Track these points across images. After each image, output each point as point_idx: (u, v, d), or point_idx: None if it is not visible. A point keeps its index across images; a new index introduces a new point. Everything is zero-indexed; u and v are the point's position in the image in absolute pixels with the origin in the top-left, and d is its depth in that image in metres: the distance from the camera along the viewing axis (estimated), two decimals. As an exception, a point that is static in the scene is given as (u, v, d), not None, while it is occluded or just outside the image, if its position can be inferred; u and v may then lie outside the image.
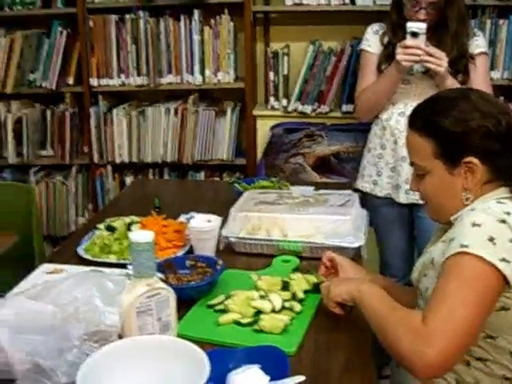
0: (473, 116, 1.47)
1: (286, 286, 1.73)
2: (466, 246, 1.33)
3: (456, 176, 1.50)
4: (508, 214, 1.39)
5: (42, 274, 1.88)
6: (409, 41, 2.44)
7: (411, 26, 2.44)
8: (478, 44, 2.63)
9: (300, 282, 1.76)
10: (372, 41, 2.72)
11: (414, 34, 2.43)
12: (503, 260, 1.31)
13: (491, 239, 1.33)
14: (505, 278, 1.32)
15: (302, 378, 1.29)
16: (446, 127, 1.48)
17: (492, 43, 3.15)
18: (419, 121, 1.55)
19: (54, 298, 1.47)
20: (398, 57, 2.47)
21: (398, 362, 1.35)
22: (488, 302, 1.32)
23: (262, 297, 1.68)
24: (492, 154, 1.47)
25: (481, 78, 2.59)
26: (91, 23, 3.45)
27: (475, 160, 1.46)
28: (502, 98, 3.15)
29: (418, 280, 1.60)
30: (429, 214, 1.64)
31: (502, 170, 1.50)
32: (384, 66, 2.65)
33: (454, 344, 1.25)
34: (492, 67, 3.08)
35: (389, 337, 1.34)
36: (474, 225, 1.37)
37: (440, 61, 2.44)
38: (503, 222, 1.37)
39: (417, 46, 2.43)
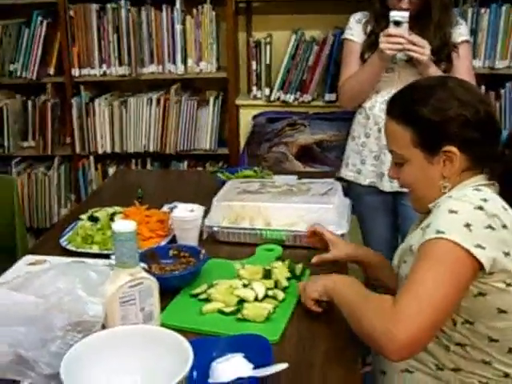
0: (451, 105, 1.47)
1: (267, 275, 1.74)
2: (443, 232, 1.34)
3: (435, 164, 1.50)
4: (485, 200, 1.40)
5: (24, 265, 1.87)
6: (392, 29, 2.45)
7: (394, 14, 2.44)
8: (461, 32, 2.64)
9: (282, 270, 1.77)
10: (355, 30, 2.72)
11: (397, 23, 2.43)
12: (478, 246, 1.32)
13: (467, 225, 1.34)
14: (480, 265, 1.33)
15: (285, 365, 1.29)
16: (424, 116, 1.49)
17: (473, 32, 3.15)
18: (397, 109, 1.55)
19: (36, 289, 1.46)
20: (382, 45, 2.47)
21: (372, 346, 1.35)
22: (460, 285, 1.33)
23: (244, 285, 1.68)
24: (471, 142, 1.48)
25: (464, 67, 2.60)
26: (72, 12, 3.42)
27: (454, 149, 1.47)
28: (483, 87, 3.17)
29: (398, 266, 1.61)
30: (411, 204, 1.65)
31: (480, 158, 1.51)
32: (367, 54, 2.65)
33: (424, 325, 1.26)
34: (473, 56, 3.09)
35: (361, 323, 1.35)
36: (450, 211, 1.38)
37: (423, 49, 2.45)
38: (480, 208, 1.37)
39: (400, 34, 2.43)
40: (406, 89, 1.61)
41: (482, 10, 3.18)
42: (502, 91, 3.24)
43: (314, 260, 1.81)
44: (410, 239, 1.56)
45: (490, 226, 1.36)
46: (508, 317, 1.42)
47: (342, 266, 1.83)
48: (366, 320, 1.34)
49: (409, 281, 1.34)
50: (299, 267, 1.80)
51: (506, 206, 1.44)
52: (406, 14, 2.43)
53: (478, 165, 1.51)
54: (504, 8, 3.16)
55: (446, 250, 1.33)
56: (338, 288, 1.50)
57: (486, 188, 1.47)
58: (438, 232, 1.34)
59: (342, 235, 1.95)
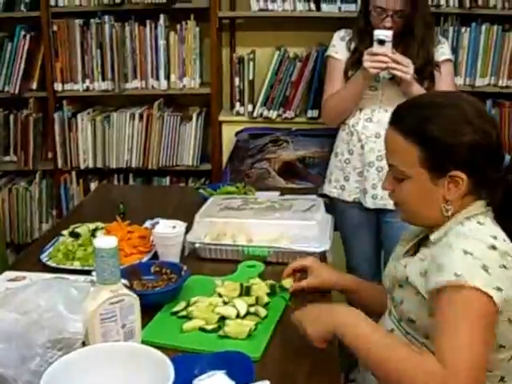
0: (465, 130, 1.42)
1: (246, 291, 1.73)
2: (461, 276, 1.29)
3: (439, 186, 1.45)
4: (495, 238, 1.37)
5: (4, 281, 1.84)
6: (376, 48, 2.47)
7: (378, 33, 2.47)
8: (444, 51, 2.68)
9: (262, 286, 1.77)
10: (339, 47, 2.74)
11: (381, 42, 2.46)
12: (497, 289, 1.29)
13: (485, 268, 1.30)
14: (496, 306, 1.29)
15: (266, 382, 1.29)
16: (435, 136, 1.43)
17: (454, 50, 3.18)
18: (407, 124, 1.48)
19: (17, 305, 1.44)
20: (366, 64, 2.49)
21: None
22: (491, 327, 1.30)
23: (225, 303, 1.67)
24: (479, 168, 1.43)
25: (446, 85, 2.63)
26: (55, 27, 3.41)
27: (462, 175, 1.42)
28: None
29: (392, 289, 1.57)
30: (401, 217, 1.59)
31: (484, 184, 1.47)
32: (351, 72, 2.67)
33: (477, 381, 1.23)
34: (454, 74, 3.12)
35: (403, 380, 1.26)
36: (465, 252, 1.33)
37: (406, 68, 2.48)
38: (493, 248, 1.34)
39: (384, 53, 2.46)
40: (416, 103, 1.55)
41: (463, 29, 3.22)
42: (483, 109, 3.27)
43: (291, 290, 1.78)
44: (406, 268, 1.50)
45: (503, 266, 1.33)
46: (506, 351, 1.40)
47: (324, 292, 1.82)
48: (409, 380, 1.25)
49: (449, 338, 1.27)
50: (288, 281, 1.79)
51: (505, 237, 1.41)
52: (390, 33, 2.45)
53: (480, 190, 1.47)
54: (484, 27, 3.20)
55: (471, 299, 1.28)
56: (348, 335, 1.37)
57: (485, 217, 1.45)
58: (457, 275, 1.30)
59: (325, 252, 1.96)
